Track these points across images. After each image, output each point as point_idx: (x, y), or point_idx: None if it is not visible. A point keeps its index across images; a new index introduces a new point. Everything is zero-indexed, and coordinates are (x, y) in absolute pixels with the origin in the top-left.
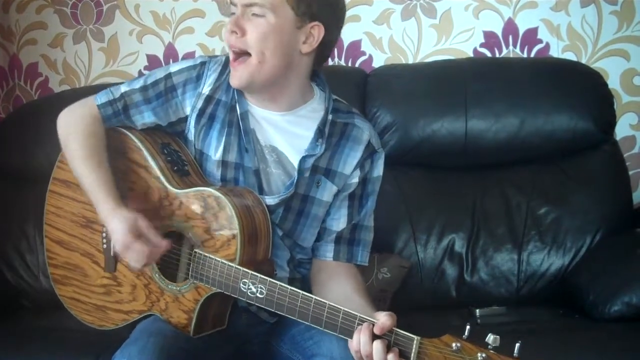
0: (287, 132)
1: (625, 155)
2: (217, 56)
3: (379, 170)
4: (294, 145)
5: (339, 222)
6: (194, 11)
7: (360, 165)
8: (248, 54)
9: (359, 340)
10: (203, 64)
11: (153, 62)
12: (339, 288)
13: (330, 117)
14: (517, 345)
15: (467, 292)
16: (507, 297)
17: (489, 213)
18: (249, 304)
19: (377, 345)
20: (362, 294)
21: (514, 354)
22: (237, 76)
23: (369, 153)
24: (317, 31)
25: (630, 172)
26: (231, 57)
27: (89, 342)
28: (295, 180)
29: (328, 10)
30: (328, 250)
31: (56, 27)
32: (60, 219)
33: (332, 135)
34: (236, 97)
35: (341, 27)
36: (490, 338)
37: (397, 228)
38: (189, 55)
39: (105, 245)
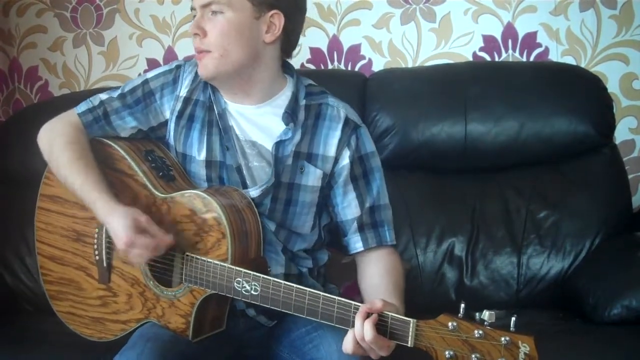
0: (262, 124)
1: (624, 159)
2: (191, 59)
3: (370, 145)
4: (271, 135)
5: (352, 209)
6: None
7: (347, 143)
8: (210, 52)
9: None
10: (178, 67)
11: (153, 65)
12: (368, 276)
13: (303, 101)
14: (513, 319)
15: (467, 295)
16: (506, 301)
17: (488, 216)
18: (247, 305)
19: (356, 319)
20: (390, 279)
21: (510, 329)
22: (203, 66)
23: (351, 129)
24: (277, 19)
25: (630, 176)
26: (196, 55)
27: (89, 346)
28: (274, 169)
29: None
30: (356, 242)
31: (56, 30)
32: (51, 234)
33: (307, 118)
34: (212, 97)
35: (304, 12)
36: (486, 315)
37: (396, 231)
38: (189, 59)
39: (97, 257)
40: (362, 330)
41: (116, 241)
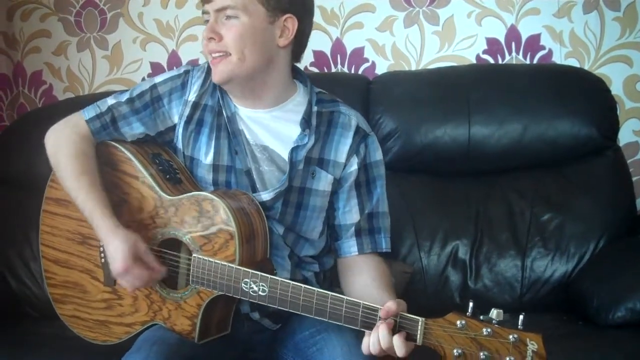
0: (274, 128)
1: (628, 162)
2: (198, 64)
3: (377, 153)
4: (283, 140)
5: (352, 214)
6: (197, 19)
7: (355, 151)
8: (229, 53)
9: (369, 341)
10: (187, 72)
11: (157, 69)
12: (360, 280)
13: (315, 108)
14: (521, 317)
15: (471, 298)
16: (510, 304)
17: (492, 219)
18: (251, 308)
19: (381, 328)
20: (382, 281)
21: (519, 326)
22: (218, 71)
23: (361, 137)
24: (291, 23)
25: (634, 178)
26: (210, 60)
27: (92, 350)
28: (288, 173)
29: (298, 1)
30: (352, 246)
31: (60, 35)
32: (56, 237)
33: (319, 125)
34: (221, 101)
35: (313, 14)
36: (494, 313)
37: (400, 234)
38: (193, 63)
39: (103, 260)
40: (392, 344)
41: (113, 264)
